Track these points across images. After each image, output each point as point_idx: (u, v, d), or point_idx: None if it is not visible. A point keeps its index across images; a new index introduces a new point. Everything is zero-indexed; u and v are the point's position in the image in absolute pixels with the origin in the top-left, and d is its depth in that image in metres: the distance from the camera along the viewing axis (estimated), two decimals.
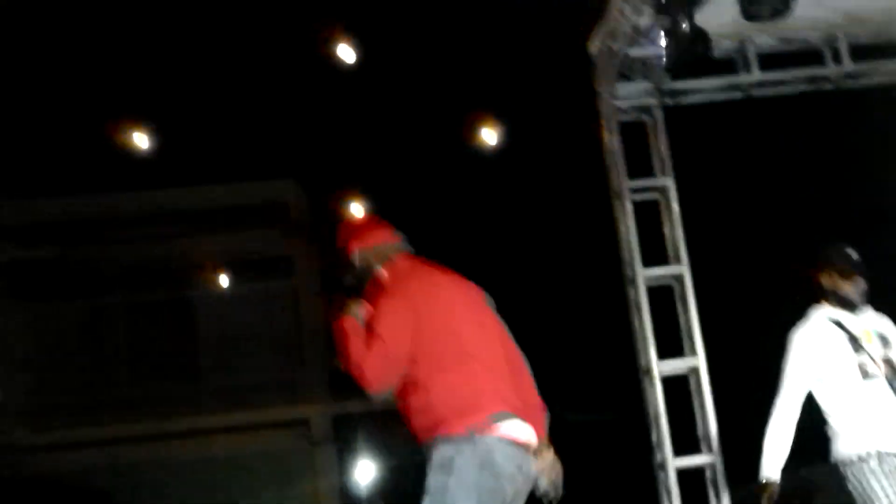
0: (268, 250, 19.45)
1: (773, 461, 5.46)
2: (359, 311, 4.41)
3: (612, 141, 8.45)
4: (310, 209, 19.69)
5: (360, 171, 16.01)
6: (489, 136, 10.05)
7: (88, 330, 18.91)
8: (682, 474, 8.13)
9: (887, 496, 5.11)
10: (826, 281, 5.50)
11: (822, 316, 5.49)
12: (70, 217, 17.91)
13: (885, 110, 8.49)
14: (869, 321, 5.46)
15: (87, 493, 16.70)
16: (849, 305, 5.45)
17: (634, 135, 8.50)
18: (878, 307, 5.65)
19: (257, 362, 18.94)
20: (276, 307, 19.59)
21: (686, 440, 8.26)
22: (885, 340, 5.39)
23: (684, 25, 6.96)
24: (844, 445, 5.33)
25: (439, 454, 4.21)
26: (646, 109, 8.50)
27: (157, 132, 15.89)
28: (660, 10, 6.97)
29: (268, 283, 19.53)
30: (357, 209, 13.49)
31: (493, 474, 4.15)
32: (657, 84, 8.30)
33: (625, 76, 8.35)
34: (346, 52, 9.84)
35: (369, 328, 4.32)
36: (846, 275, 5.43)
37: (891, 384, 5.27)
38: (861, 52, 8.46)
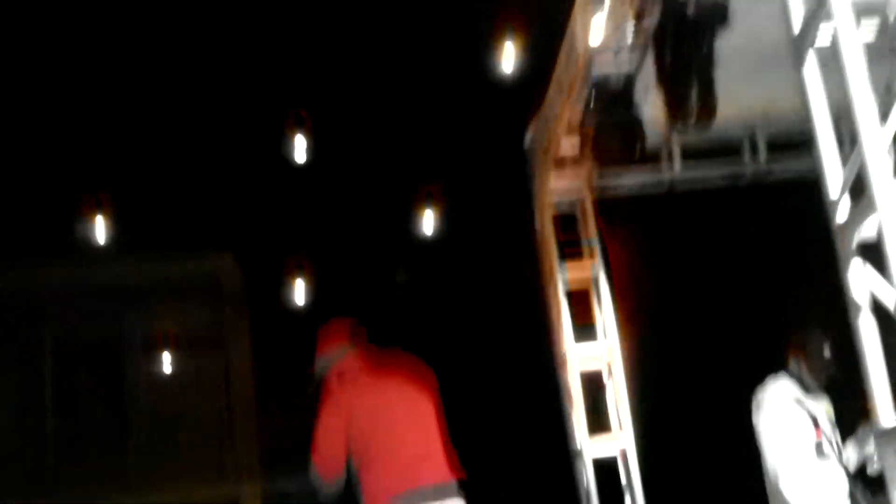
0: (200, 326, 19.44)
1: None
2: None
3: (544, 228, 8.89)
4: (244, 285, 19.76)
5: (298, 249, 16.23)
6: (428, 219, 10.48)
7: (16, 405, 18.71)
8: None
9: None
10: (793, 361, 5.87)
11: (783, 391, 5.83)
12: None
13: (799, 203, 8.98)
14: (819, 402, 5.83)
15: None
16: (805, 386, 5.82)
17: (566, 222, 8.94)
18: None
19: (187, 441, 18.84)
20: (207, 385, 19.53)
21: None
22: (832, 422, 5.77)
23: (617, 123, 7.42)
24: None
25: None
26: (578, 201, 8.94)
27: (90, 203, 15.98)
28: (591, 108, 7.43)
29: (199, 359, 19.47)
30: (294, 288, 13.74)
31: None
32: (588, 176, 8.75)
33: (558, 167, 8.79)
34: (291, 140, 10.21)
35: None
36: (811, 366, 5.80)
37: (841, 463, 5.62)
38: (777, 148, 8.96)
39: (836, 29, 3.76)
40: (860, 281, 3.90)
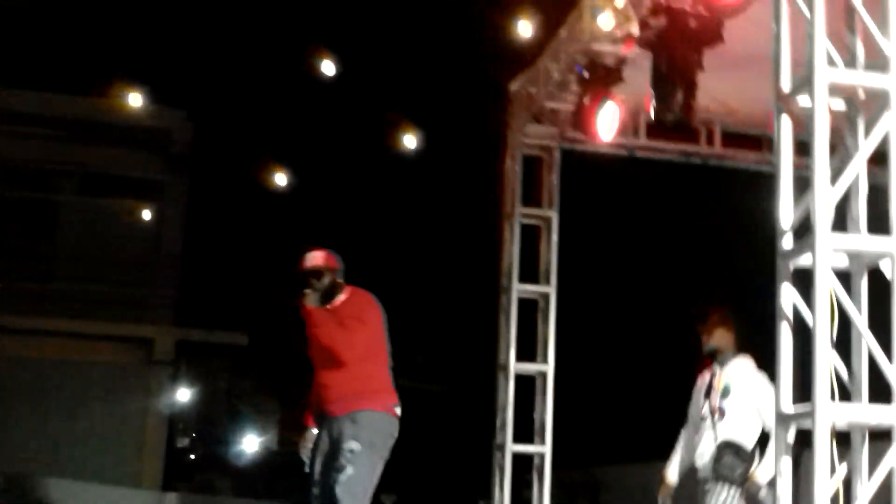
0: (142, 172, 19.96)
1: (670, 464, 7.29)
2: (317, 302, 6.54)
3: (512, 169, 9.88)
4: (192, 144, 20.32)
5: (262, 131, 16.77)
6: (403, 139, 11.32)
7: None
8: (515, 457, 9.67)
9: None
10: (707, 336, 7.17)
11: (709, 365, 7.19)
12: None
13: (742, 189, 10.08)
14: (727, 373, 7.07)
15: None
16: (715, 357, 7.12)
17: (529, 170, 9.92)
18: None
19: (111, 277, 19.40)
20: (139, 227, 20.06)
21: (523, 430, 9.75)
22: (726, 391, 7.01)
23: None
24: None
25: (370, 418, 6.35)
26: (546, 149, 9.92)
27: (61, 34, 16.32)
28: (581, 81, 8.37)
29: (135, 202, 20.00)
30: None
31: (389, 444, 6.44)
32: (561, 131, 9.72)
33: (535, 119, 9.76)
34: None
35: (354, 317, 6.44)
36: (700, 332, 7.09)
37: (714, 427, 6.91)
38: (730, 137, 10.04)
39: (813, 102, 4.78)
40: (788, 297, 5.00)
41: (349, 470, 6.14)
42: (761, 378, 7.01)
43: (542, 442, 9.65)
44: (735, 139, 10.07)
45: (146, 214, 19.88)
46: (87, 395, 18.66)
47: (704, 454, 7.01)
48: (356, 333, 6.38)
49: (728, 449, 6.88)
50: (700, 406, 7.12)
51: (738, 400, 6.98)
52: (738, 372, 7.05)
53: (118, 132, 18.97)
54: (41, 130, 19.06)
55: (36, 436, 18.19)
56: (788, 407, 4.99)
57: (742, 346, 7.18)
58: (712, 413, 6.98)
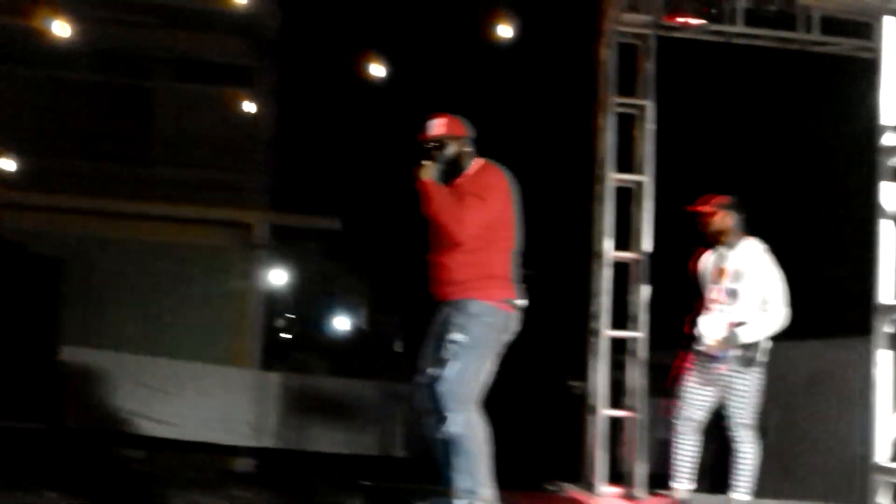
0: (233, 57, 20.18)
1: None
2: (435, 175, 5.97)
3: (608, 58, 9.87)
4: (282, 28, 20.44)
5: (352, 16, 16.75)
6: (499, 28, 11.35)
7: (48, 99, 19.46)
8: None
9: None
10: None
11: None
12: None
13: (839, 78, 10.01)
14: (737, 256, 7.29)
15: (28, 255, 16.92)
16: (720, 240, 7.41)
17: (624, 59, 9.90)
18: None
19: (208, 162, 19.76)
20: (233, 113, 20.34)
21: (616, 315, 9.88)
22: (738, 275, 7.19)
23: None
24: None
25: (479, 309, 5.88)
26: (641, 37, 9.89)
27: None
28: None
29: (227, 88, 20.24)
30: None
31: (502, 340, 5.98)
32: (656, 18, 9.70)
33: (631, 6, 9.73)
34: None
35: (475, 194, 5.89)
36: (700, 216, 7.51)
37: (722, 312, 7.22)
38: (828, 24, 9.92)
39: None
40: (888, 193, 5.09)
41: (452, 366, 5.77)
42: (772, 262, 7.15)
43: (637, 328, 9.79)
44: (835, 25, 9.95)
45: (239, 101, 20.15)
46: (187, 278, 19.20)
47: (716, 338, 7.21)
48: (472, 211, 5.82)
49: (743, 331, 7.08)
50: (709, 290, 7.35)
51: (751, 284, 7.12)
52: (750, 255, 7.21)
53: (209, 17, 19.06)
54: (134, 17, 19.24)
55: (137, 317, 18.80)
56: (888, 299, 5.12)
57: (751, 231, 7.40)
58: (723, 297, 7.17)
